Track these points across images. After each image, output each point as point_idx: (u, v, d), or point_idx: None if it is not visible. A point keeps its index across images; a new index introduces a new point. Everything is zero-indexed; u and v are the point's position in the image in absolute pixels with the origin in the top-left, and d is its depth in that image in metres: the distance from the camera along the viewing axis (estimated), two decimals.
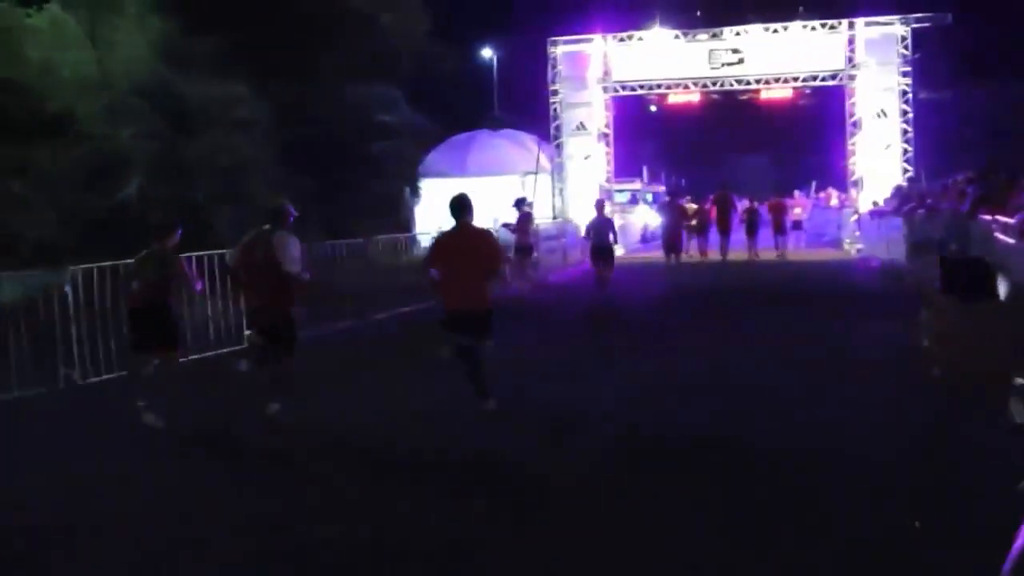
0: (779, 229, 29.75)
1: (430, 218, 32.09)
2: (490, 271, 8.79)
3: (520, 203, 20.00)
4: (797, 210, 34.13)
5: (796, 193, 36.53)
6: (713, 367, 11.28)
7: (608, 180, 32.25)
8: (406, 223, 28.69)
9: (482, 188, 30.16)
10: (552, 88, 31.84)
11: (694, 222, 30.13)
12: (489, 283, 8.82)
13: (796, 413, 8.81)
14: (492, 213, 24.85)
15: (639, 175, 43.53)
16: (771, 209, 30.70)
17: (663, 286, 21.29)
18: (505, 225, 20.61)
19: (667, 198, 30.44)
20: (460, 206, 8.89)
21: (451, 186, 33.52)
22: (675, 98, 31.63)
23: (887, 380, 10.10)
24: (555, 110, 31.88)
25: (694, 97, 31.44)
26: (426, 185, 31.21)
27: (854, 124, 29.90)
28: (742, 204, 31.94)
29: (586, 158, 31.71)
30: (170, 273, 8.94)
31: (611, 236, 17.94)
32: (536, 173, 30.29)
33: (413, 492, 6.67)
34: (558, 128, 31.91)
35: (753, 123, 53.44)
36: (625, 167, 39.81)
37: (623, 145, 37.16)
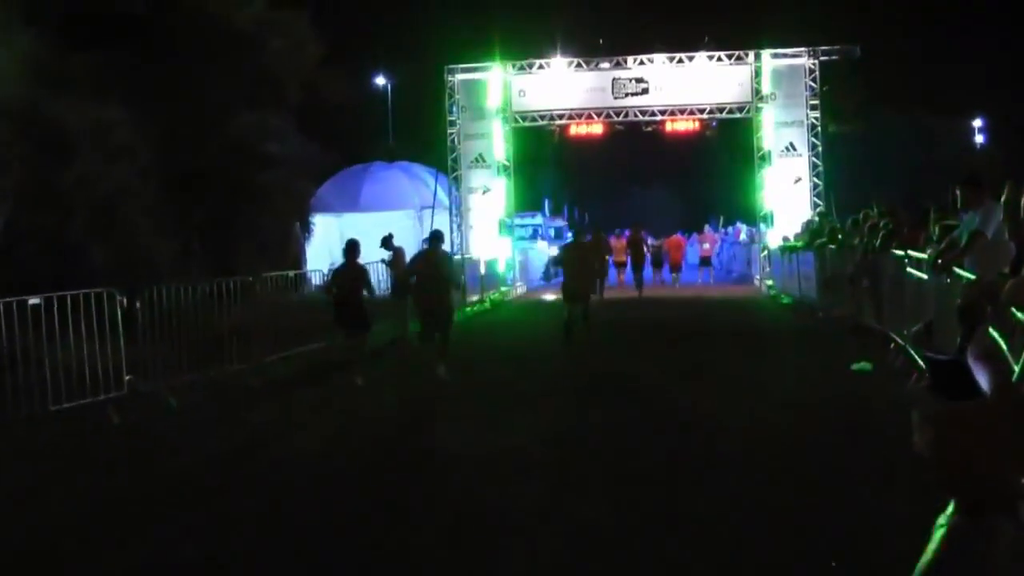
0: (675, 267, 32.77)
1: (322, 255, 31.93)
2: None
3: (388, 240, 20.09)
4: (706, 245, 34.98)
5: (706, 228, 37.47)
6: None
7: (507, 214, 32.56)
8: (296, 260, 28.36)
9: (376, 224, 30.11)
10: (450, 118, 32.11)
11: (623, 258, 31.78)
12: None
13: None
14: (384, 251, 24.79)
15: (541, 208, 44.00)
16: (670, 246, 33.34)
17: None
18: (383, 261, 20.65)
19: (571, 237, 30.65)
20: (347, 249, 14.35)
21: (344, 221, 33.96)
22: (578, 129, 32.17)
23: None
24: (453, 141, 32.10)
25: (597, 128, 32.03)
26: (318, 221, 30.99)
27: (762, 158, 30.88)
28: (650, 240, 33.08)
29: (485, 192, 31.99)
30: None
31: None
32: (433, 208, 30.37)
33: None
34: (456, 160, 32.13)
35: (659, 155, 54.51)
36: (527, 200, 40.21)
37: (524, 177, 37.53)
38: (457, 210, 32.24)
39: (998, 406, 2.24)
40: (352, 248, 14.31)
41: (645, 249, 31.77)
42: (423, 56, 39.62)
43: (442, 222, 31.60)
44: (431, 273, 14.08)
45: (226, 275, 15.89)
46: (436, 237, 14.70)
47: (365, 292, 14.11)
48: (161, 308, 12.91)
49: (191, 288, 14.16)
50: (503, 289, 30.48)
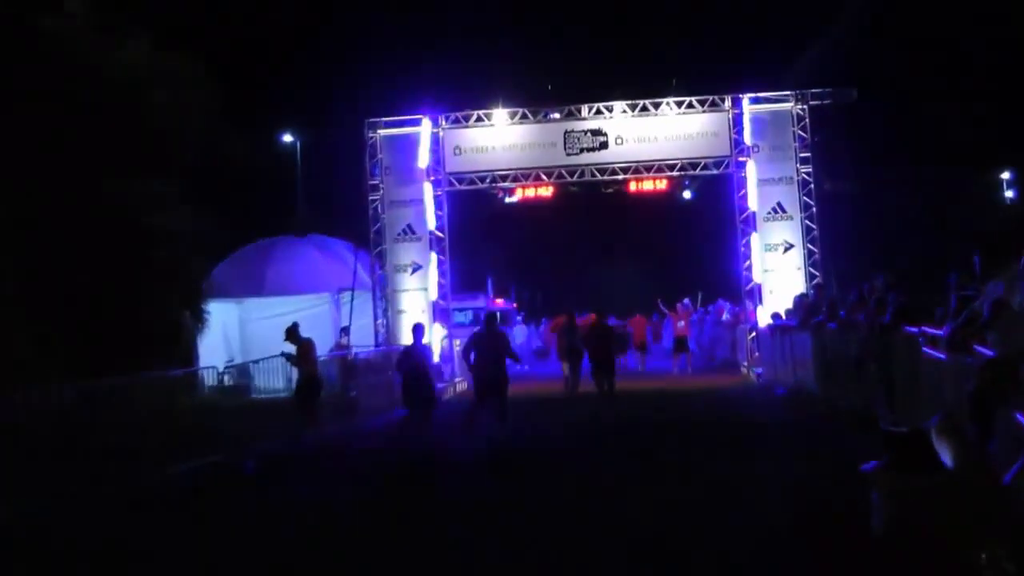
0: (640, 346, 34.90)
1: (218, 348, 31.53)
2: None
3: (293, 331, 20.00)
4: (680, 323, 35.05)
5: (679, 306, 37.54)
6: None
7: (443, 296, 32.55)
8: (187, 355, 27.97)
9: (284, 310, 29.89)
10: (372, 182, 32.14)
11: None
12: None
13: None
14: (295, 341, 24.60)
15: (483, 289, 43.98)
16: (633, 325, 35.35)
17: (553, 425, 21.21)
18: (284, 355, 20.51)
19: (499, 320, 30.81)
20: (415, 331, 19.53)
21: (246, 308, 33.67)
22: (525, 192, 32.32)
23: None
24: (376, 209, 32.11)
25: (547, 191, 32.26)
26: (214, 308, 30.64)
27: (745, 221, 31.18)
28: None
29: (415, 270, 31.89)
30: None
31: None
32: (353, 290, 30.17)
33: None
34: (380, 232, 32.09)
35: (622, 222, 55.06)
36: (466, 279, 40.16)
37: (462, 252, 37.50)
38: (382, 292, 32.09)
39: (966, 478, 2.42)
40: (493, 318, 19.51)
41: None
42: (341, 110, 39.75)
43: (364, 307, 31.55)
44: (489, 350, 18.49)
45: (95, 376, 15.55)
46: (492, 318, 19.32)
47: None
48: (7, 416, 12.52)
49: (49, 392, 13.79)
50: (438, 387, 30.11)
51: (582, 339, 26.19)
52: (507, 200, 33.03)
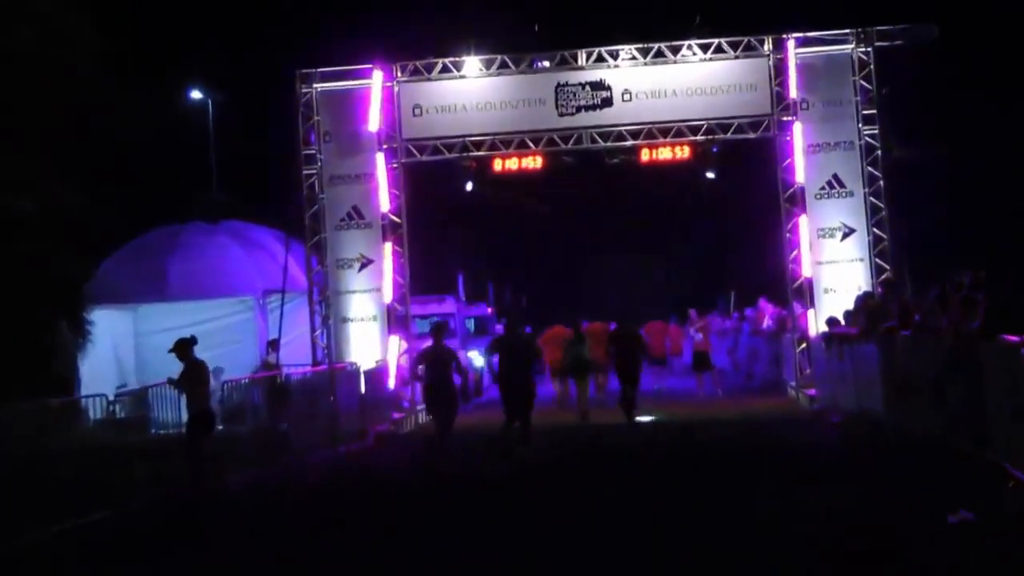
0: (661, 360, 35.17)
1: (107, 369, 31.27)
2: None
3: (185, 346, 19.91)
4: (699, 336, 34.95)
5: (691, 314, 37.39)
6: None
7: (400, 299, 32.39)
8: (64, 381, 27.75)
9: (193, 319, 29.69)
10: (306, 152, 31.96)
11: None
12: None
13: None
14: (219, 360, 24.59)
15: (453, 290, 43.82)
16: (650, 333, 35.00)
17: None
18: (171, 382, 20.44)
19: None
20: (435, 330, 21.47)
21: (143, 317, 33.43)
22: (506, 163, 32.22)
23: None
24: (312, 188, 31.99)
25: (534, 163, 32.16)
26: (99, 317, 30.39)
27: (792, 200, 31.10)
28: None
29: (363, 267, 31.70)
30: None
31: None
32: (283, 292, 29.96)
33: None
34: (317, 217, 31.96)
35: (631, 202, 54.83)
36: (431, 278, 40.00)
37: (426, 243, 37.34)
38: (321, 295, 31.92)
39: None
40: (440, 329, 21.74)
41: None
42: (265, 58, 39.54)
43: (297, 314, 31.40)
44: (512, 358, 21.39)
45: None
46: (513, 321, 22.76)
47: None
48: None
49: None
50: (396, 417, 30.15)
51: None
52: (482, 174, 32.86)
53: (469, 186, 33.12)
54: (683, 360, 39.22)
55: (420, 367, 21.61)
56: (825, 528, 13.50)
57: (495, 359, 21.52)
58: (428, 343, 22.04)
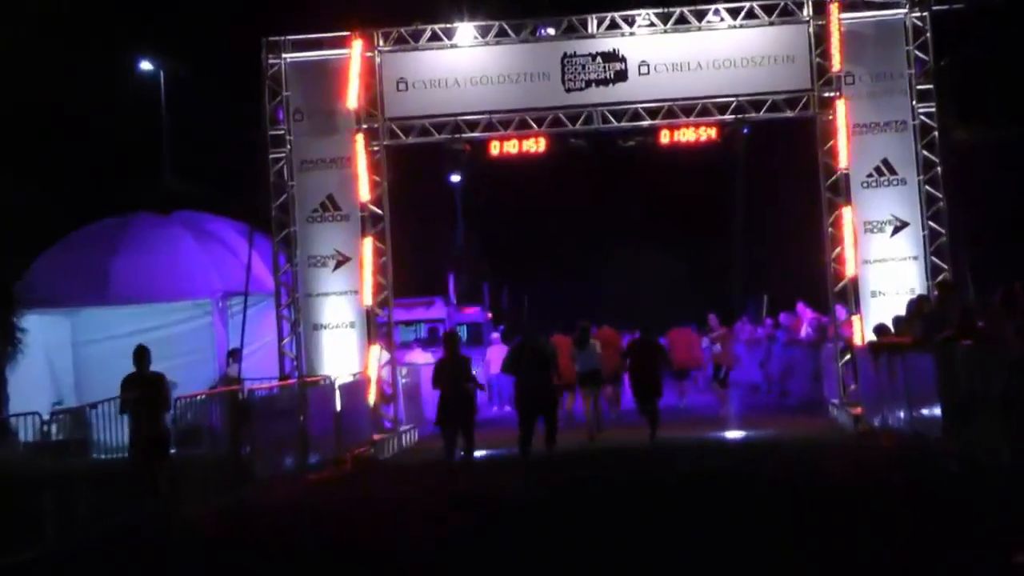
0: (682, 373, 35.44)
1: (41, 386, 31.11)
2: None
3: (141, 356, 19.82)
4: (717, 347, 34.91)
5: (711, 319, 37.21)
6: None
7: (382, 302, 32.32)
8: None
9: (140, 325, 29.58)
10: (273, 132, 31.82)
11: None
12: None
13: None
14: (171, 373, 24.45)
15: (443, 293, 43.80)
16: (675, 343, 35.42)
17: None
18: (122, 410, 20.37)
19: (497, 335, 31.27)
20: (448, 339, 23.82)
21: (83, 323, 33.29)
22: (505, 146, 32.00)
23: None
24: (281, 174, 31.85)
25: (537, 146, 31.95)
26: (32, 323, 30.27)
27: (834, 188, 30.95)
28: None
29: (339, 265, 31.53)
30: None
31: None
32: (247, 294, 29.86)
33: None
34: (287, 208, 31.82)
35: (649, 192, 54.84)
36: (417, 279, 39.91)
37: (412, 238, 37.26)
38: (289, 297, 31.80)
39: None
40: (454, 338, 24.13)
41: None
42: (227, 24, 39.43)
43: (263, 320, 31.31)
44: (533, 369, 23.14)
45: None
46: (532, 329, 22.76)
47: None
48: None
49: None
50: (376, 438, 30.07)
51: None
52: (477, 159, 32.78)
53: (461, 173, 33.02)
54: (708, 372, 39.10)
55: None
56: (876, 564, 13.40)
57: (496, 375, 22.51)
58: (440, 355, 23.54)
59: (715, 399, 35.53)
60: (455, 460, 23.20)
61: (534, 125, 31.63)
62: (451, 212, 50.39)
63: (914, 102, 30.48)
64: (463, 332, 42.00)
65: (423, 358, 37.42)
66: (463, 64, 31.63)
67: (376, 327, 31.79)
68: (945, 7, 30.44)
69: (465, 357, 23.66)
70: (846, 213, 30.51)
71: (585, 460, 26.05)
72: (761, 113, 31.38)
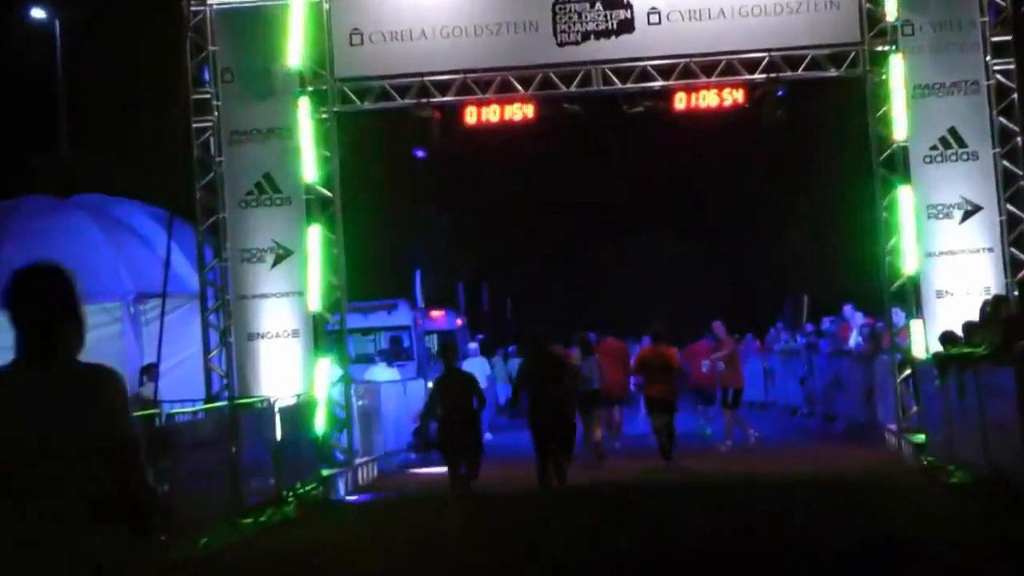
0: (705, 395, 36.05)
1: None
2: None
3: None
4: (720, 368, 35.04)
5: (716, 327, 37.15)
6: None
7: (331, 306, 32.16)
8: None
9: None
10: (196, 96, 31.69)
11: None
12: None
13: None
14: None
15: (408, 294, 43.87)
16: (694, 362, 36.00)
17: None
18: None
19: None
20: (444, 349, 25.92)
21: None
22: (484, 112, 32.11)
23: None
24: (206, 148, 31.80)
25: (523, 111, 32.09)
26: None
27: (890, 163, 31.04)
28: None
29: (279, 260, 31.43)
30: None
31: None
32: (164, 295, 29.79)
33: None
34: (213, 190, 31.80)
35: (660, 169, 54.90)
36: (376, 277, 39.90)
37: (369, 227, 37.25)
38: (218, 300, 31.74)
39: None
40: (451, 349, 26.07)
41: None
42: None
43: (185, 328, 31.19)
44: (546, 383, 24.29)
45: None
46: (542, 336, 25.40)
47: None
48: None
49: None
50: (325, 473, 30.05)
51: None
52: (449, 129, 32.77)
53: (429, 147, 32.94)
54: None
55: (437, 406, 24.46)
56: None
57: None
58: (439, 371, 24.80)
59: (736, 430, 35.48)
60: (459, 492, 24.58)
61: (519, 87, 31.64)
62: (418, 195, 50.24)
63: (988, 57, 30.49)
64: (431, 343, 42.09)
65: (384, 375, 37.45)
66: (432, 12, 31.56)
67: (326, 336, 31.74)
68: None
69: (468, 373, 25.28)
70: (904, 195, 30.54)
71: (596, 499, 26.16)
72: (799, 71, 31.53)
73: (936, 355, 27.64)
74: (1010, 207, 30.28)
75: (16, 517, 8.50)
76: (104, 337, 31.27)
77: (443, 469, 27.84)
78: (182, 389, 30.05)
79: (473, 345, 43.05)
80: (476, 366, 38.66)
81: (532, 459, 25.62)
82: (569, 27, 31.21)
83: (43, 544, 8.75)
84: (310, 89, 31.50)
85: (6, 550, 8.64)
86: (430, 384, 36.31)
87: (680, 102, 31.69)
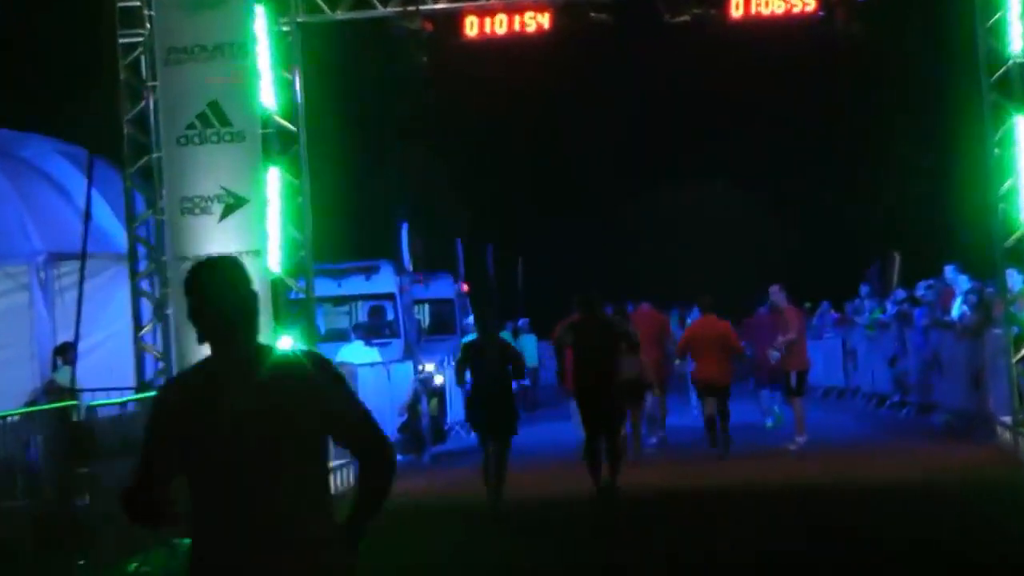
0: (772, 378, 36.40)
1: None
2: None
3: None
4: (774, 356, 34.67)
5: (775, 293, 36.82)
6: None
7: (296, 268, 31.98)
8: None
9: None
10: (121, 3, 31.30)
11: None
12: None
13: None
14: None
15: (392, 254, 43.60)
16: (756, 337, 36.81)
17: None
18: None
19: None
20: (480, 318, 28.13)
21: None
22: (489, 24, 31.80)
23: None
24: (135, 70, 31.58)
25: (536, 21, 31.89)
26: None
27: (1004, 88, 30.57)
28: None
29: (228, 211, 31.01)
30: None
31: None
32: (84, 257, 29.39)
33: None
34: (145, 124, 31.48)
35: (709, 94, 54.85)
36: (352, 232, 39.70)
37: (342, 169, 37.10)
38: (151, 262, 31.31)
39: None
40: (488, 315, 26.08)
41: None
42: None
43: (110, 298, 30.85)
44: (592, 353, 25.32)
45: None
46: (591, 300, 25.88)
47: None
48: None
49: None
50: None
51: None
52: (443, 45, 32.49)
53: (419, 67, 32.67)
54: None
55: (467, 373, 24.68)
56: None
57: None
58: (471, 336, 25.30)
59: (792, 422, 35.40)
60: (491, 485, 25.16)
61: None
62: (404, 129, 50.07)
63: None
64: (423, 315, 41.88)
65: (362, 355, 37.23)
66: None
67: (288, 307, 31.55)
68: None
69: (505, 340, 26.16)
70: (1022, 126, 30.07)
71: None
72: None
73: None
74: None
75: None
76: (8, 309, 31.02)
77: (442, 474, 27.92)
78: (107, 374, 29.81)
79: (469, 320, 43.09)
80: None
81: (551, 458, 26.13)
82: None
83: None
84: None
85: None
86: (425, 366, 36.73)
87: (737, 8, 31.34)
